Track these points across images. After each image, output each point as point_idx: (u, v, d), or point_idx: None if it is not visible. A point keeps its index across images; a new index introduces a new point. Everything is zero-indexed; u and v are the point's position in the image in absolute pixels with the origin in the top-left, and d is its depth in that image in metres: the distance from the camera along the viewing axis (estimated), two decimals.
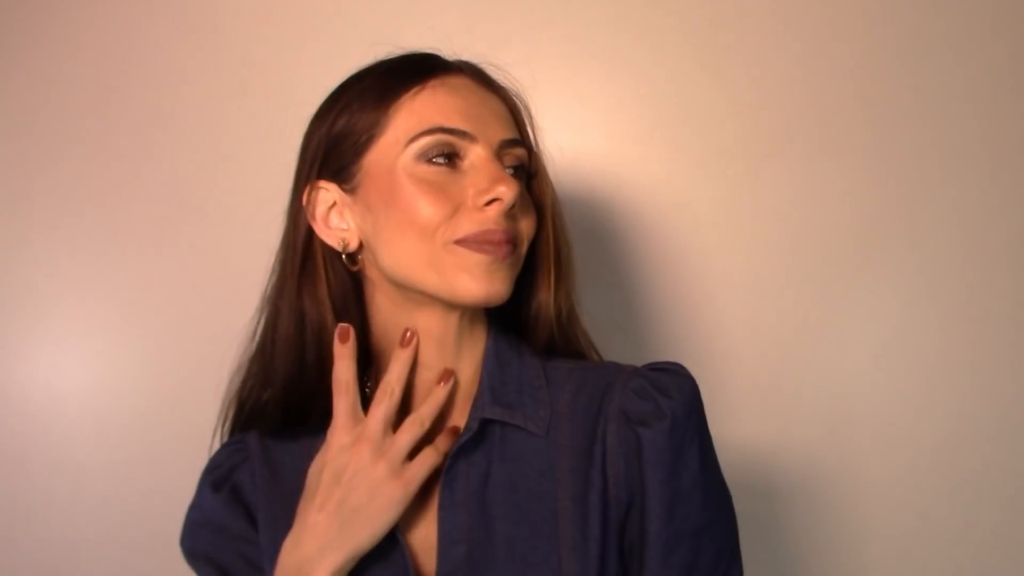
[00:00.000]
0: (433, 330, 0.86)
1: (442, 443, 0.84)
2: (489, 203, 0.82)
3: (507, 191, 0.81)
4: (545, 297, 0.90)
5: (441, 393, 0.86)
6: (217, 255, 1.36)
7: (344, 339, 0.85)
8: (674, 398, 0.83)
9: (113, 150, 1.37)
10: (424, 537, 0.84)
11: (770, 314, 1.35)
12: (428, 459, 0.83)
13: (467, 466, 0.84)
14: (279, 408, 0.89)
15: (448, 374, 0.87)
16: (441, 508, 0.83)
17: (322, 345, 0.87)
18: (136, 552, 1.34)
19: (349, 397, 0.84)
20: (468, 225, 0.81)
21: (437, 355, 0.87)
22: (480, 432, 0.85)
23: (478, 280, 0.81)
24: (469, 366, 0.89)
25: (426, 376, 0.88)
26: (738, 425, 1.33)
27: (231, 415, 0.94)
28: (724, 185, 1.35)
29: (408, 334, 0.86)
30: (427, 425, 0.84)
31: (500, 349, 0.89)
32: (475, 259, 0.81)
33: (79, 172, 1.37)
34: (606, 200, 1.36)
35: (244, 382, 0.92)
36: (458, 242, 0.81)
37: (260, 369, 0.90)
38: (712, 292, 1.35)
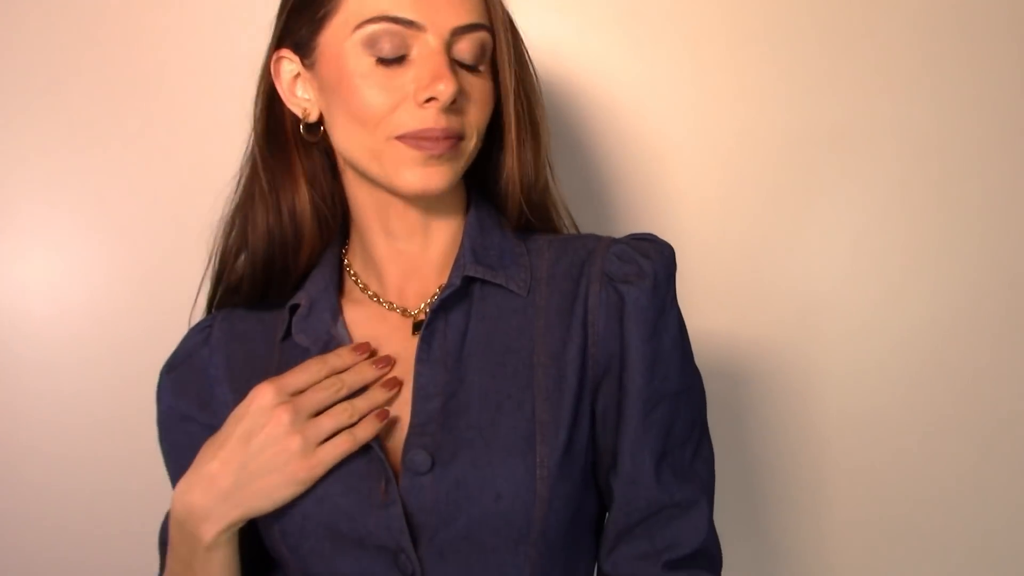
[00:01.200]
0: (397, 204, 0.87)
1: (361, 431, 0.82)
2: (428, 100, 0.79)
3: (445, 89, 0.78)
4: (511, 165, 0.88)
5: (381, 397, 0.84)
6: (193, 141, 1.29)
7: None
8: (655, 260, 0.86)
9: (77, 34, 1.28)
10: (399, 392, 0.85)
11: (746, 205, 1.33)
12: (342, 445, 0.81)
13: (445, 324, 0.86)
14: (252, 283, 0.91)
15: (394, 383, 0.85)
16: (418, 362, 0.84)
17: (296, 219, 0.89)
18: (102, 443, 1.32)
19: (306, 373, 0.83)
20: (408, 121, 0.80)
21: (405, 227, 0.88)
22: (461, 290, 0.85)
23: (416, 175, 0.81)
24: (442, 237, 0.89)
25: (397, 248, 0.89)
26: (711, 314, 1.33)
27: (208, 294, 0.95)
28: (703, 72, 1.30)
29: (367, 351, 0.86)
30: (355, 419, 0.82)
31: (482, 218, 0.89)
32: (412, 155, 0.81)
33: (45, 58, 1.28)
34: (582, 86, 1.31)
35: (221, 257, 0.93)
36: (399, 138, 0.80)
37: (236, 242, 0.92)
38: (688, 181, 1.32)
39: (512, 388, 0.83)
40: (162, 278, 1.27)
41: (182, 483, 0.82)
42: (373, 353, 0.87)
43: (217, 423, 0.87)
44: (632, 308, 0.84)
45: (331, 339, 0.88)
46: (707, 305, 1.33)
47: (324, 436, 0.81)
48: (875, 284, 1.35)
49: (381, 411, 0.84)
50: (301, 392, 0.82)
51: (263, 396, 0.81)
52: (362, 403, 0.83)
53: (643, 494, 0.84)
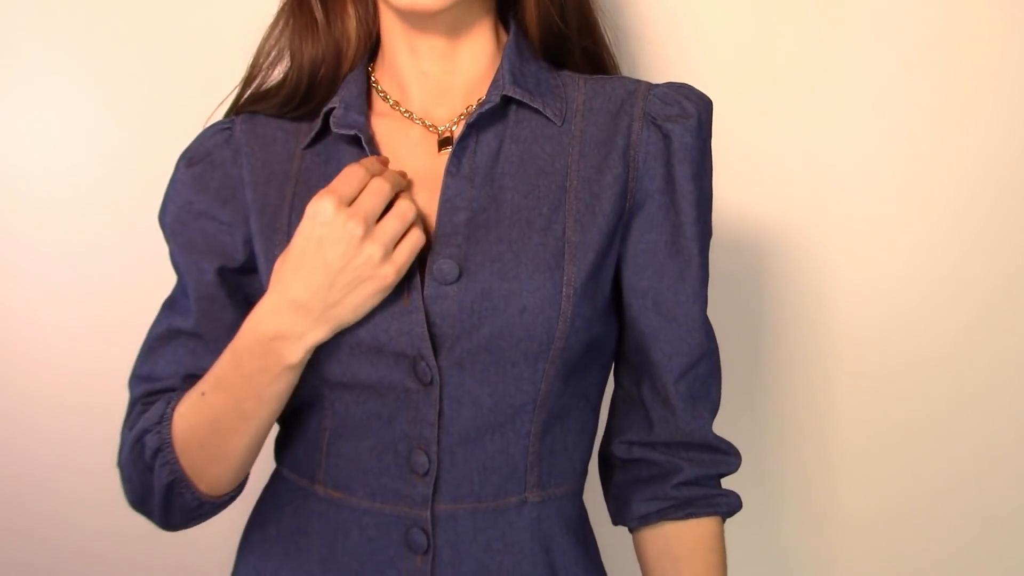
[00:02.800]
0: (418, 24, 0.86)
1: (418, 230, 0.81)
2: None
3: None
4: None
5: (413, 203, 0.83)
6: None
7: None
8: (697, 103, 0.87)
9: None
10: (424, 204, 0.85)
11: (764, 61, 1.31)
12: (416, 241, 0.80)
13: (476, 142, 0.85)
14: (296, 89, 0.91)
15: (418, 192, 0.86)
16: (447, 175, 0.84)
17: (344, 30, 0.92)
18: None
19: (354, 179, 0.80)
20: None
21: (429, 49, 0.87)
22: (497, 110, 0.85)
23: None
24: (470, 63, 0.89)
25: (421, 69, 0.88)
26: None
27: (235, 94, 0.94)
28: None
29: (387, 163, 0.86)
30: (414, 215, 0.81)
31: (520, 46, 0.88)
32: None
33: None
34: None
35: (256, 61, 0.93)
36: None
37: (276, 46, 0.92)
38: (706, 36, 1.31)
39: (544, 207, 0.83)
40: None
41: (267, 307, 0.80)
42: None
43: (237, 224, 0.86)
44: (679, 146, 0.85)
45: (369, 133, 0.87)
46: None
47: (395, 237, 0.79)
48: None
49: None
50: (355, 199, 0.80)
51: (326, 208, 0.78)
52: (413, 210, 0.81)
53: (688, 337, 0.87)
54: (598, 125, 0.86)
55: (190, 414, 0.84)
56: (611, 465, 0.94)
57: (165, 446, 0.84)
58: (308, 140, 0.89)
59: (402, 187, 0.83)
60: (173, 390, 0.88)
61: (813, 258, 1.36)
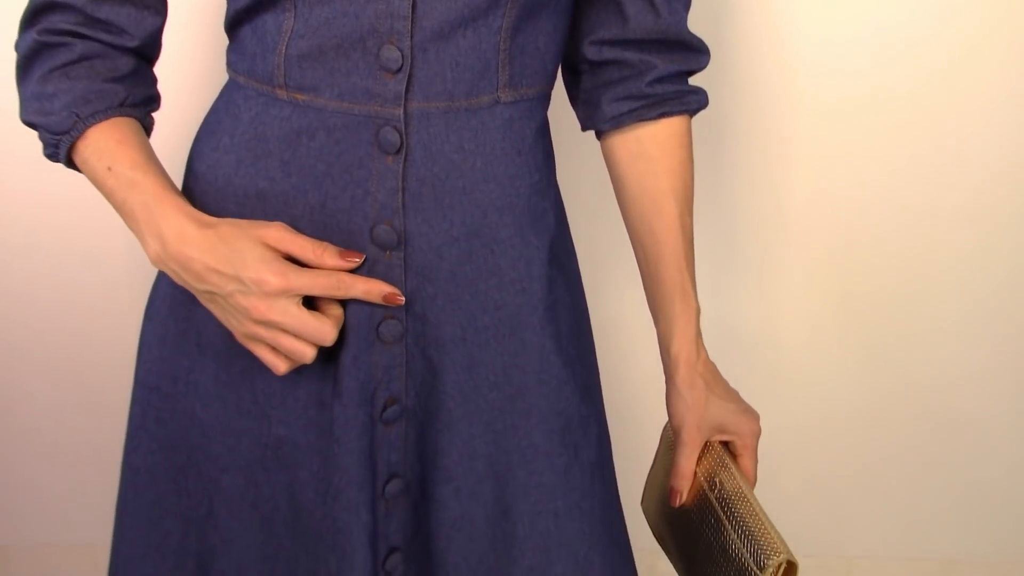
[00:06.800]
0: None
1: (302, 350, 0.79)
2: None
3: None
4: None
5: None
6: None
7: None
8: None
9: None
10: None
11: None
12: (298, 350, 0.79)
13: None
14: None
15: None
16: None
17: None
18: None
19: (333, 284, 0.79)
20: None
21: None
22: None
23: None
24: None
25: None
26: None
27: None
28: None
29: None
30: (319, 339, 0.79)
31: None
32: None
33: None
34: None
35: None
36: None
37: None
38: None
39: None
40: None
41: (160, 228, 0.78)
42: None
43: None
44: None
45: None
46: None
47: (286, 328, 0.78)
48: None
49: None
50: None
51: (267, 288, 0.76)
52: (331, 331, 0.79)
53: None
54: None
55: (87, 165, 0.81)
56: (579, 72, 0.92)
57: (63, 144, 0.81)
58: None
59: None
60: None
61: None
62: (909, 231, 1.51)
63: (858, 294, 1.54)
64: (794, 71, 1.43)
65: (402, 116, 0.79)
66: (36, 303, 1.54)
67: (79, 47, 0.81)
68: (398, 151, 0.80)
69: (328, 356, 0.83)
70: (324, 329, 0.77)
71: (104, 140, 0.80)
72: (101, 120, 0.80)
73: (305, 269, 0.78)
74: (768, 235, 1.51)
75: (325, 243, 0.79)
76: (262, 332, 0.78)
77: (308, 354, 0.78)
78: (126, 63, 0.83)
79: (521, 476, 0.85)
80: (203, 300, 0.80)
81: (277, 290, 0.76)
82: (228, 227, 0.78)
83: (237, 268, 0.76)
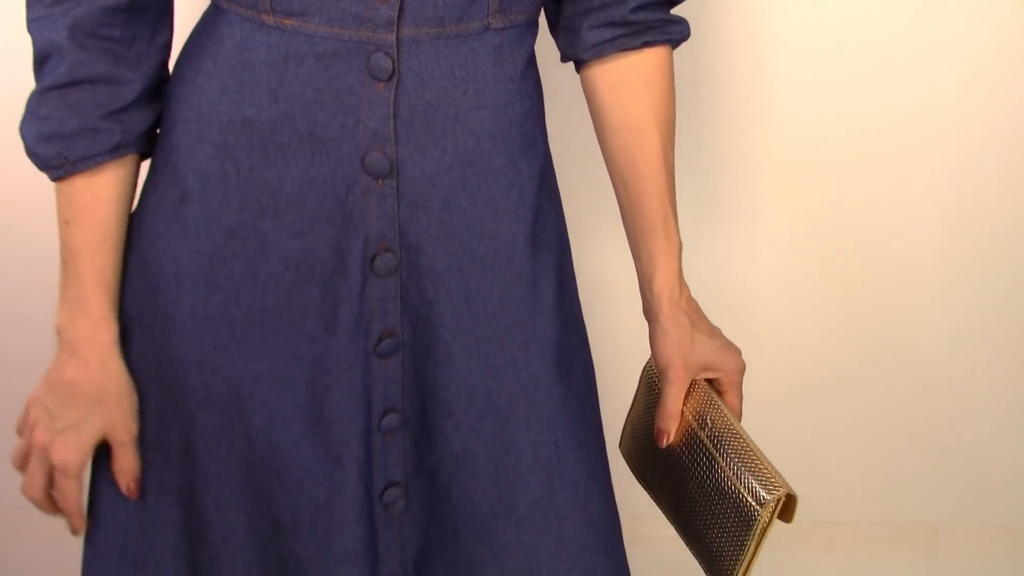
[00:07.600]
0: None
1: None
2: None
3: None
4: None
5: None
6: None
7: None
8: None
9: None
10: None
11: None
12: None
13: None
14: None
15: None
16: None
17: None
18: None
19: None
20: None
21: None
22: None
23: None
24: None
25: None
26: None
27: None
28: None
29: None
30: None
31: None
32: None
33: None
34: None
35: None
36: None
37: None
38: None
39: None
40: None
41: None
42: None
43: None
44: None
45: None
46: None
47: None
48: None
49: None
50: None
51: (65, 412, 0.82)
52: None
53: None
54: None
55: (57, 198, 0.82)
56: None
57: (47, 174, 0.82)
58: None
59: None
60: None
61: None
62: (894, 192, 1.51)
63: (842, 256, 1.54)
64: (782, 23, 1.42)
65: (394, 42, 0.78)
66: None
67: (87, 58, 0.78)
68: (390, 78, 0.78)
69: (321, 289, 0.81)
70: (73, 510, 0.85)
71: (76, 195, 0.80)
72: (91, 167, 0.79)
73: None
74: (750, 194, 1.51)
75: (135, 487, 0.86)
76: (44, 467, 0.83)
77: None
78: (131, 90, 0.80)
79: (522, 409, 0.85)
80: (43, 387, 0.83)
81: (64, 467, 0.82)
82: (104, 384, 0.83)
83: (63, 425, 0.81)
